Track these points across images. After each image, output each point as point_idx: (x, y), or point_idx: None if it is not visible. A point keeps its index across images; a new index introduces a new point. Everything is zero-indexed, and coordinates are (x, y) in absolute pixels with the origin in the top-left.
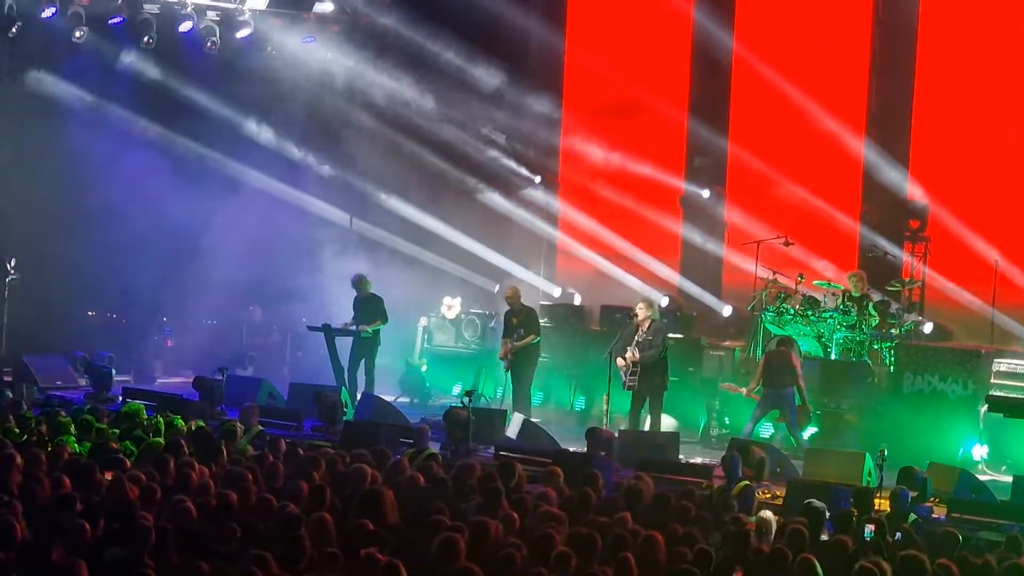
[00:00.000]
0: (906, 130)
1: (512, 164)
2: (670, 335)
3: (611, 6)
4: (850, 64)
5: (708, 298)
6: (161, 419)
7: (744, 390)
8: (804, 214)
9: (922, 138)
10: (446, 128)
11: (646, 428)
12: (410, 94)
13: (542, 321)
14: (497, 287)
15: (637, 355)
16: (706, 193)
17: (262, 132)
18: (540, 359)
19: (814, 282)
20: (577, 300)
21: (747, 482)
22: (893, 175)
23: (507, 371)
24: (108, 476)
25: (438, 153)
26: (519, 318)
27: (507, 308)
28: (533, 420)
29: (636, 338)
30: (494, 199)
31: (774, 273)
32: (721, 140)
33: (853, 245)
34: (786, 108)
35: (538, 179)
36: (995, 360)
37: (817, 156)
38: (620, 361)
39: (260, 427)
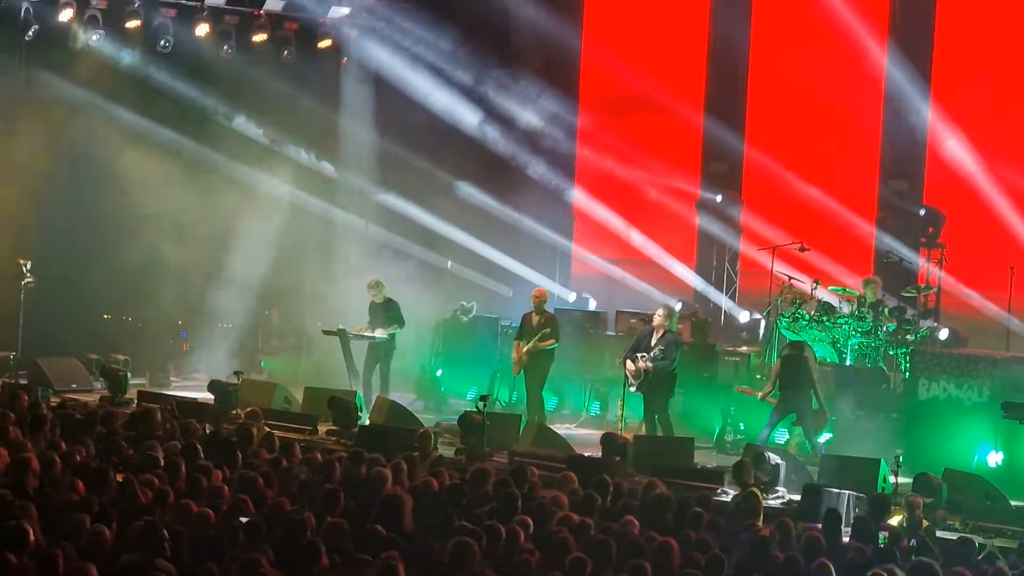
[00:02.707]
0: (924, 133)
1: (527, 167)
2: (683, 345)
3: (628, 5)
4: (867, 63)
5: (724, 303)
6: (176, 423)
7: (759, 394)
8: (820, 219)
9: (939, 142)
10: (459, 132)
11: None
12: (424, 96)
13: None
14: (512, 292)
15: (649, 365)
16: (719, 197)
17: (276, 137)
18: (555, 363)
19: (829, 288)
20: (592, 305)
21: (754, 489)
22: (909, 180)
23: (517, 375)
24: (119, 478)
25: (452, 157)
26: (542, 319)
27: (530, 309)
28: (547, 425)
29: (649, 344)
30: (508, 203)
31: (789, 279)
32: (737, 144)
33: (869, 251)
34: (803, 112)
35: (553, 183)
36: None
37: (833, 161)
38: (630, 364)
39: (267, 430)
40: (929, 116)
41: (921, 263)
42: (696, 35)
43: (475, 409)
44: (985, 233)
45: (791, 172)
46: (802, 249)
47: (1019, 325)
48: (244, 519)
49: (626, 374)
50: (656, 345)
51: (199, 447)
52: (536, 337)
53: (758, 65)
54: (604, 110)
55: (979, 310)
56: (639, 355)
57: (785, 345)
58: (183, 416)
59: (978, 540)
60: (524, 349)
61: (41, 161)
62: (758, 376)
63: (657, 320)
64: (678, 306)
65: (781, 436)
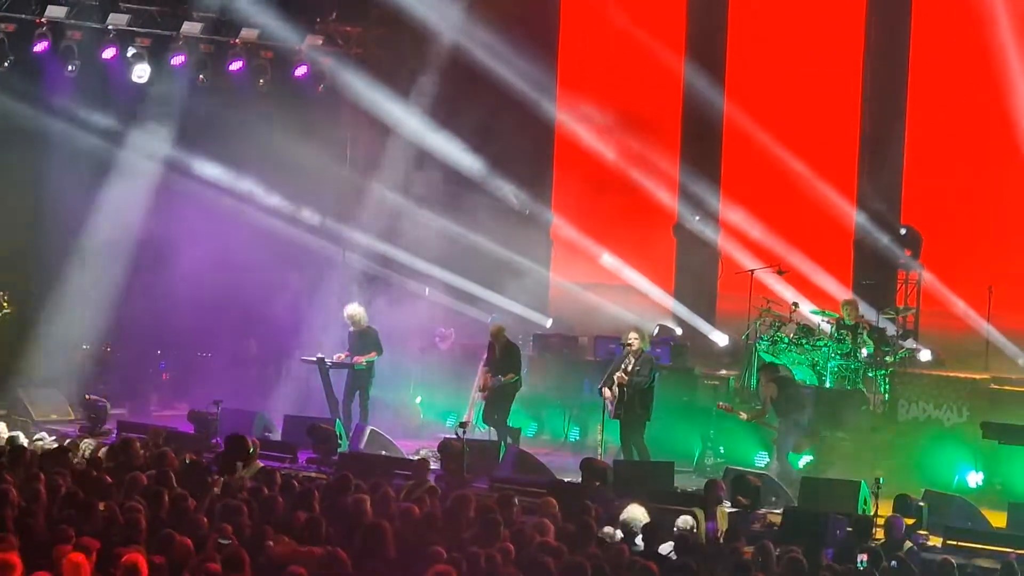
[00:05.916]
0: (899, 157)
1: (503, 193)
2: (659, 367)
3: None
4: (843, 93)
5: (703, 326)
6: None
7: (745, 414)
8: (799, 240)
9: (913, 163)
10: (433, 160)
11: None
12: (396, 124)
13: (536, 353)
14: (491, 318)
15: (625, 378)
16: (697, 218)
17: (252, 174)
18: (535, 389)
19: (809, 310)
20: (570, 331)
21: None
22: (886, 202)
23: (482, 401)
24: (102, 507)
25: (427, 184)
26: (502, 352)
27: (491, 341)
28: (527, 451)
29: (624, 365)
30: (485, 230)
31: (768, 302)
32: (714, 163)
33: (847, 271)
34: (780, 134)
35: (528, 212)
36: None
37: (811, 180)
38: (606, 392)
39: (260, 465)
40: (905, 137)
41: (902, 278)
42: (672, 62)
43: (455, 436)
44: (963, 253)
45: (768, 194)
46: (780, 272)
47: (1000, 344)
48: (224, 541)
49: (605, 402)
50: (634, 367)
51: (173, 476)
52: (496, 373)
53: (736, 81)
54: (582, 133)
55: (959, 330)
56: (615, 375)
57: (765, 367)
58: (162, 446)
59: (958, 561)
60: (488, 385)
61: (16, 192)
62: (738, 399)
63: (634, 344)
64: (655, 330)
65: (761, 459)
